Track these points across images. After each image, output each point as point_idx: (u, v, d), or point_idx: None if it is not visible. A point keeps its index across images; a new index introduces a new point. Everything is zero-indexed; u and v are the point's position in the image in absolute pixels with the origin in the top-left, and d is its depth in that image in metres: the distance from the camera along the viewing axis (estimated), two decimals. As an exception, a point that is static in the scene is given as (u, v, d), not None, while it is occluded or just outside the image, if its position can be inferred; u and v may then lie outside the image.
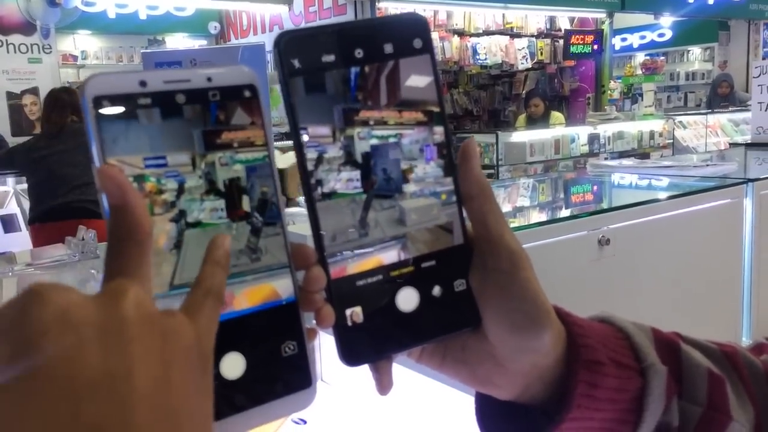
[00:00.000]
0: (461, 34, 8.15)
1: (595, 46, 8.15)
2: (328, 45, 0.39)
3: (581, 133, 6.47)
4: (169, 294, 0.35)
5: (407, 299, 0.40)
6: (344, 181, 0.40)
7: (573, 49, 8.06)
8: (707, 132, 7.45)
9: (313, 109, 0.39)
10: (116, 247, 0.31)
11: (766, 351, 0.49)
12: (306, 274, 0.38)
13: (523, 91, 8.48)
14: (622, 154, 6.36)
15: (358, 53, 0.39)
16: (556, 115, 6.75)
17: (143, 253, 0.31)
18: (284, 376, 0.37)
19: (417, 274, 0.40)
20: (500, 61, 8.33)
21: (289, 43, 0.38)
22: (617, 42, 9.77)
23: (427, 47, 0.41)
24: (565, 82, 8.62)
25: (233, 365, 0.36)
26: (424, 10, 7.66)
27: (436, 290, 0.41)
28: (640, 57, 10.60)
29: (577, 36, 8.13)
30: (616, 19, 8.37)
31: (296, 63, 0.38)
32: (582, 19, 8.56)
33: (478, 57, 8.17)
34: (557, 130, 6.40)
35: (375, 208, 0.40)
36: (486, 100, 9.13)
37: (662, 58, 9.31)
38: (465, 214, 0.41)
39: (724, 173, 2.48)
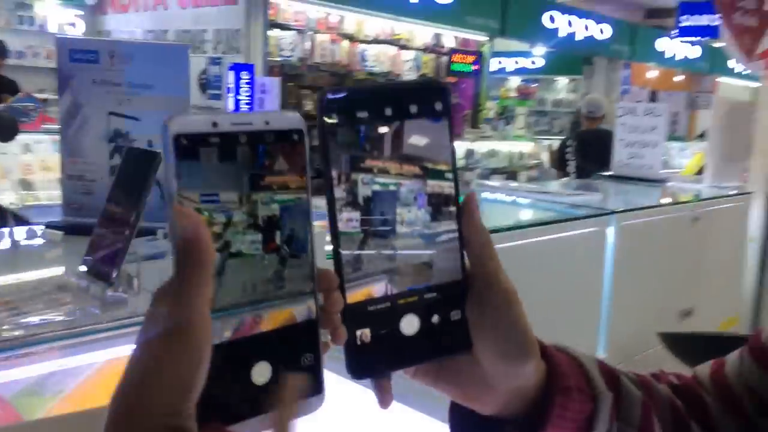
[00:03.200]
0: (351, 39, 8.25)
1: (475, 66, 8.57)
2: (362, 103, 0.44)
3: (458, 148, 6.79)
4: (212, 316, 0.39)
5: (410, 325, 0.46)
6: (365, 220, 0.45)
7: (455, 66, 8.41)
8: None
9: (344, 157, 0.44)
10: (185, 272, 0.37)
11: (663, 381, 0.61)
12: (328, 297, 0.43)
13: (406, 102, 8.70)
14: (495, 171, 6.76)
15: (388, 112, 0.45)
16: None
17: (208, 275, 0.37)
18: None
19: (420, 303, 0.47)
20: (387, 71, 8.52)
21: (330, 100, 0.44)
22: (494, 64, 10.31)
23: (447, 111, 0.47)
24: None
25: (262, 372, 0.41)
26: (317, 11, 7.70)
27: (435, 318, 0.47)
28: (514, 81, 11.24)
29: (460, 55, 8.50)
30: (494, 43, 8.84)
31: (334, 117, 0.44)
32: (465, 40, 8.97)
33: (366, 64, 8.31)
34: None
35: (388, 245, 0.46)
36: (369, 106, 9.26)
37: (535, 85, 9.96)
38: (465, 255, 0.48)
39: (591, 203, 2.74)
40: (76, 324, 0.93)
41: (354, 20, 8.14)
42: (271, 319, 0.42)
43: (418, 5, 7.32)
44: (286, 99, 7.13)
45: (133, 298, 0.98)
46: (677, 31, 9.32)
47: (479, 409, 0.50)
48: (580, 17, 9.34)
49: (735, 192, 3.70)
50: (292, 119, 0.43)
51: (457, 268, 0.48)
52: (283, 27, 7.58)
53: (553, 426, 0.49)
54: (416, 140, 0.47)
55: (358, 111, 0.45)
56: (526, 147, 7.58)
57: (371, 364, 0.46)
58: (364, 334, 0.45)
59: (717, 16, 8.20)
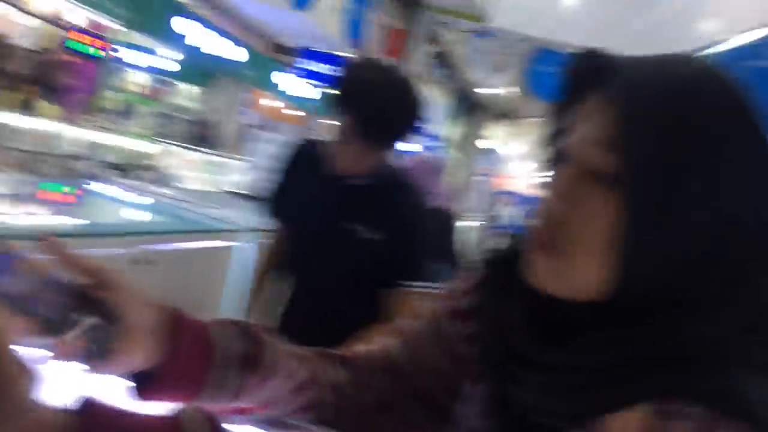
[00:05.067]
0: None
1: (102, 52, 8.03)
2: None
3: (72, 133, 6.29)
4: None
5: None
6: None
7: (74, 44, 7.76)
8: (188, 165, 8.16)
9: None
10: None
11: None
12: None
13: (15, 68, 7.65)
14: (111, 166, 6.45)
15: None
16: (49, 107, 6.38)
17: None
18: None
19: None
20: (-4, 29, 7.35)
21: None
22: (123, 54, 9.76)
23: None
24: (64, 75, 8.16)
25: None
26: None
27: None
28: (140, 76, 10.81)
29: (87, 36, 7.87)
30: (129, 34, 8.44)
31: None
32: (94, 22, 8.33)
33: (-29, 15, 7.04)
34: (48, 122, 6.05)
35: None
36: (-38, 62, 7.86)
37: (166, 88, 9.76)
38: None
39: (235, 218, 2.91)
40: None
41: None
42: None
43: (49, -31, 6.57)
44: None
45: None
46: (295, 70, 10.23)
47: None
48: (211, 30, 9.51)
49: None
50: None
51: None
52: None
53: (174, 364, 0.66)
54: None
55: None
56: (146, 147, 7.40)
57: None
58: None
59: (329, 67, 9.27)
